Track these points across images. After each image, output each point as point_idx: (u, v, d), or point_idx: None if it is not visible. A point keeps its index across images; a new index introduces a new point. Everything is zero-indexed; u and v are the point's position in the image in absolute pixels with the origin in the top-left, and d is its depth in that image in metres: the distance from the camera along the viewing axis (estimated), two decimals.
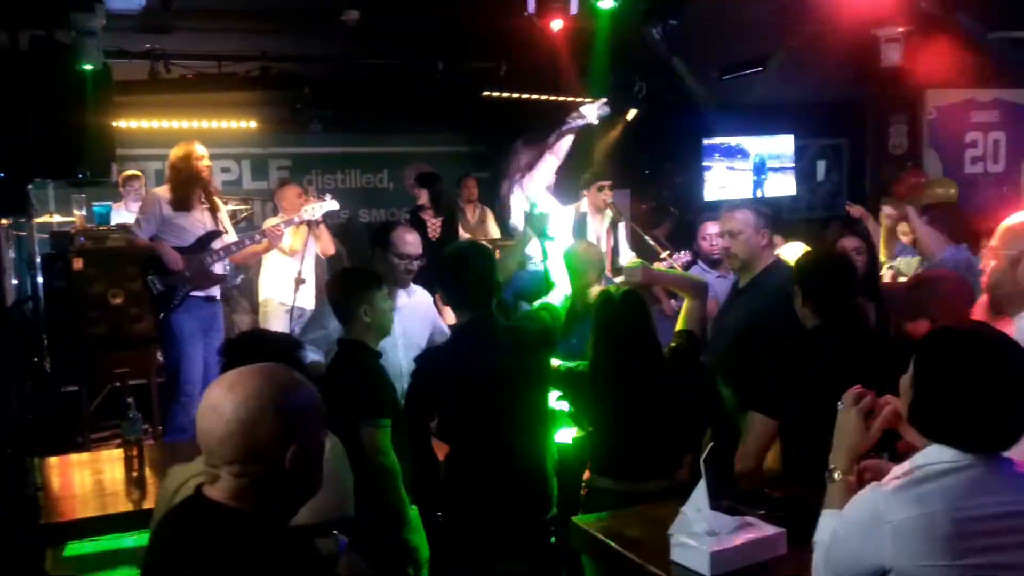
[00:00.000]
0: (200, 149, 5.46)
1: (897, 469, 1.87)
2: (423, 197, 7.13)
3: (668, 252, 5.81)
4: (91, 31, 5.10)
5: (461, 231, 7.86)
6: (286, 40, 6.90)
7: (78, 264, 5.92)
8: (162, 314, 5.31)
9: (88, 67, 5.02)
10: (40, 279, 6.05)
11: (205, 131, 8.25)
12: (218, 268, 5.53)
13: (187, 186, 5.39)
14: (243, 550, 1.58)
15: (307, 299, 6.29)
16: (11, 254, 6.40)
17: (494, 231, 7.95)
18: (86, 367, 6.01)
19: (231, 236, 5.64)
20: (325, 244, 6.44)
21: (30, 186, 5.76)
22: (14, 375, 5.77)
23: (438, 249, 6.80)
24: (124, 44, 6.29)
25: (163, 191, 5.46)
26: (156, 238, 5.35)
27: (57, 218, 6.96)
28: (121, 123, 6.65)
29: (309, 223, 5.84)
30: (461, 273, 3.30)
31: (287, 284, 6.06)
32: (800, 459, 2.93)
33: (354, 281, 3.39)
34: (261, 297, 6.51)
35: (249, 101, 8.12)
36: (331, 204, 5.82)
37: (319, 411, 1.69)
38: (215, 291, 5.59)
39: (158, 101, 7.46)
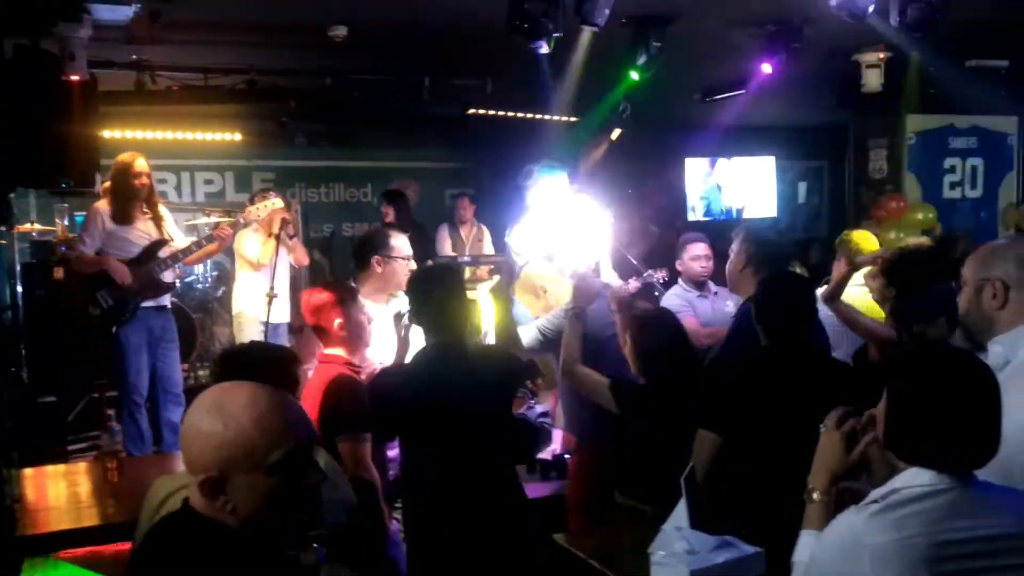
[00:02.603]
0: (139, 164, 5.40)
1: (875, 492, 1.89)
2: (390, 214, 7.26)
3: (648, 272, 5.83)
4: (77, 41, 5.11)
5: (449, 249, 7.88)
6: (273, 53, 6.91)
7: (59, 274, 5.90)
8: (115, 328, 5.29)
9: (74, 77, 5.01)
10: (20, 288, 6.01)
11: (190, 142, 8.26)
12: (167, 276, 5.50)
13: (126, 200, 5.37)
14: (228, 563, 1.58)
15: (281, 313, 6.22)
16: None
17: (489, 249, 7.96)
18: (64, 378, 5.97)
19: (179, 242, 5.58)
20: (299, 255, 6.38)
21: (11, 195, 5.75)
22: None
23: None
24: (110, 54, 6.28)
25: (103, 204, 5.41)
26: (102, 252, 5.31)
27: (38, 227, 6.93)
28: (106, 133, 6.63)
29: (278, 236, 5.78)
30: (426, 296, 3.25)
31: (259, 298, 5.98)
32: (744, 478, 2.96)
33: (327, 295, 3.36)
34: (234, 310, 6.43)
35: (234, 113, 8.12)
36: (276, 201, 5.76)
37: (305, 426, 1.69)
38: (165, 300, 5.57)
39: (144, 112, 7.45)
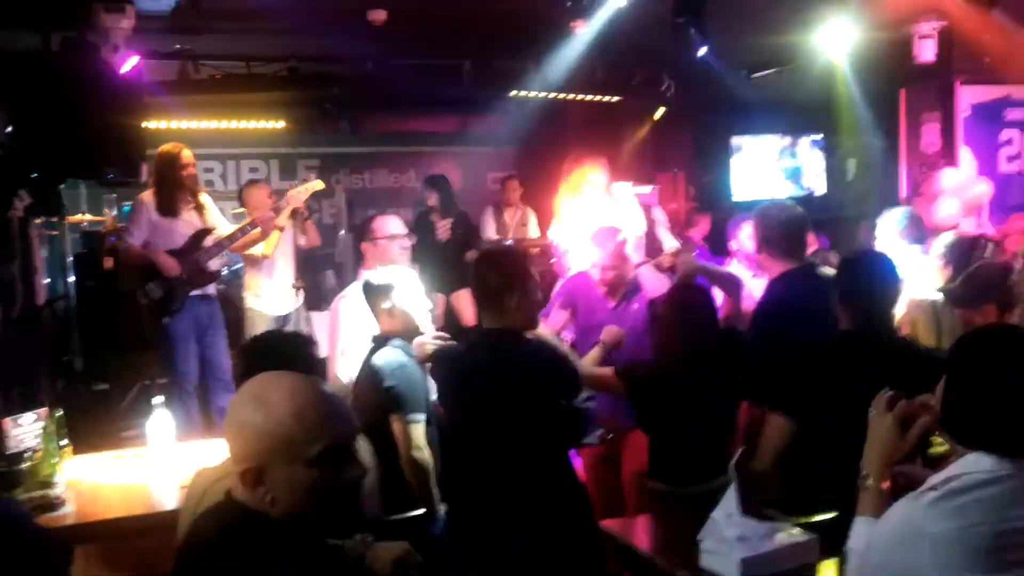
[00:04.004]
0: (185, 155, 5.40)
1: (933, 478, 1.83)
2: (432, 199, 7.20)
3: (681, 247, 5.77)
4: (121, 32, 5.16)
5: (493, 233, 7.85)
6: (314, 40, 6.92)
7: (108, 263, 5.98)
8: (166, 319, 5.34)
9: (119, 67, 5.06)
10: (71, 278, 6.10)
11: (234, 131, 8.33)
12: (213, 265, 5.53)
13: (171, 191, 5.38)
14: (271, 553, 1.58)
15: (287, 304, 6.02)
16: (43, 253, 6.46)
17: (534, 232, 7.90)
18: (116, 366, 6.07)
19: (223, 231, 5.56)
20: (311, 236, 6.14)
21: (62, 186, 5.84)
22: (46, 373, 5.84)
23: (446, 249, 6.87)
24: (154, 45, 6.34)
25: (148, 196, 5.41)
26: (148, 243, 5.34)
27: (89, 217, 7.03)
28: (151, 123, 6.70)
29: (294, 213, 5.73)
30: (486, 277, 3.15)
31: (267, 292, 5.95)
32: (816, 464, 2.89)
33: (380, 278, 3.41)
34: (245, 305, 6.12)
35: (278, 101, 8.17)
36: (317, 184, 5.72)
37: (346, 419, 1.68)
38: (211, 288, 5.58)
39: (188, 101, 7.51)
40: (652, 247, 5.73)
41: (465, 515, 3.15)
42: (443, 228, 6.79)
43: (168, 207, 5.38)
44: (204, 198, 5.63)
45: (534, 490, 3.04)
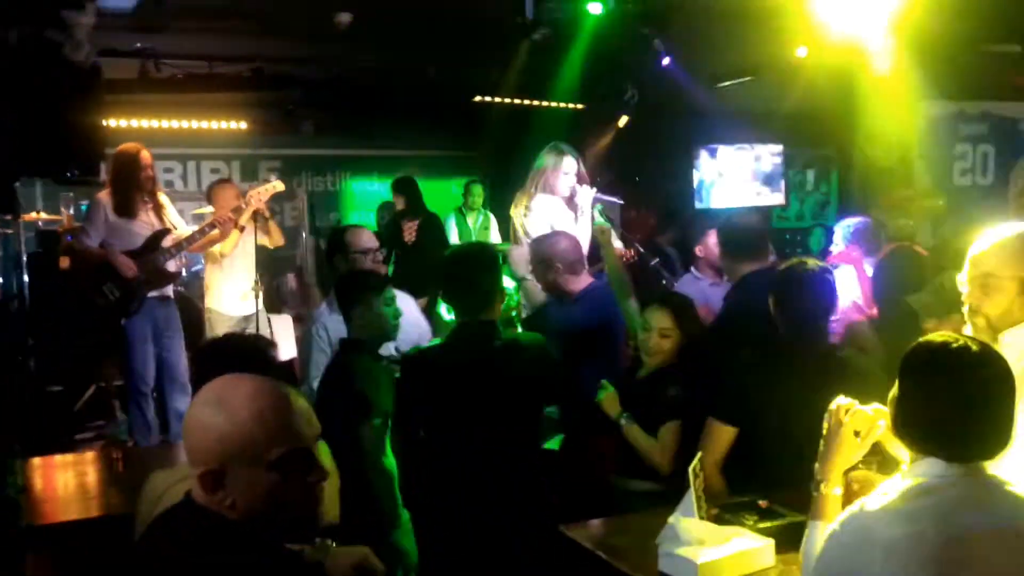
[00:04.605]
0: (145, 157, 5.33)
1: (886, 484, 1.87)
2: (400, 202, 7.27)
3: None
4: (82, 29, 5.08)
5: (455, 238, 7.87)
6: (278, 41, 6.88)
7: (64, 263, 5.89)
8: (123, 320, 5.27)
9: (78, 65, 4.99)
10: (26, 278, 6.00)
11: (195, 131, 8.25)
12: (171, 266, 5.47)
13: (129, 192, 5.31)
14: (229, 556, 1.57)
15: (248, 305, 5.90)
16: None
17: (496, 237, 7.93)
18: (71, 367, 5.98)
19: (181, 231, 5.53)
20: (275, 237, 6.06)
21: (17, 184, 5.73)
22: None
23: (413, 252, 6.90)
24: (115, 42, 6.25)
25: (105, 196, 5.34)
26: (105, 244, 5.27)
27: (44, 216, 6.92)
28: (111, 122, 6.61)
29: (255, 215, 5.65)
30: (458, 275, 3.25)
31: (227, 293, 5.95)
32: (755, 470, 2.94)
33: (351, 284, 3.41)
34: (206, 306, 6.15)
35: (240, 102, 8.10)
36: (277, 185, 5.66)
37: (304, 416, 1.67)
38: (168, 290, 5.54)
39: (148, 100, 7.43)
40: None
41: (438, 517, 3.16)
42: (409, 230, 6.82)
43: (125, 208, 5.32)
44: (162, 198, 5.57)
45: (507, 490, 3.07)
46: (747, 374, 3.10)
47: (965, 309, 2.41)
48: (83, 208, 6.36)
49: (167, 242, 5.39)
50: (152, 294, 5.36)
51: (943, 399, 1.83)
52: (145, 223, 5.39)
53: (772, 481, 2.80)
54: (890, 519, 1.76)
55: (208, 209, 7.65)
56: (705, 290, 5.04)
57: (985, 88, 7.69)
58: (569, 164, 5.00)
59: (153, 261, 5.32)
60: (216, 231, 5.55)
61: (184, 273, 6.44)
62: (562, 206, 4.99)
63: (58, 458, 4.33)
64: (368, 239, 4.10)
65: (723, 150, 9.29)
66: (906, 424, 1.89)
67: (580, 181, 5.02)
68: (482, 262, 3.28)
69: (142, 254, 5.31)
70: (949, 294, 3.58)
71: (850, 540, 1.82)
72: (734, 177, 9.37)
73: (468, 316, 3.23)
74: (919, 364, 1.89)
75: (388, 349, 3.71)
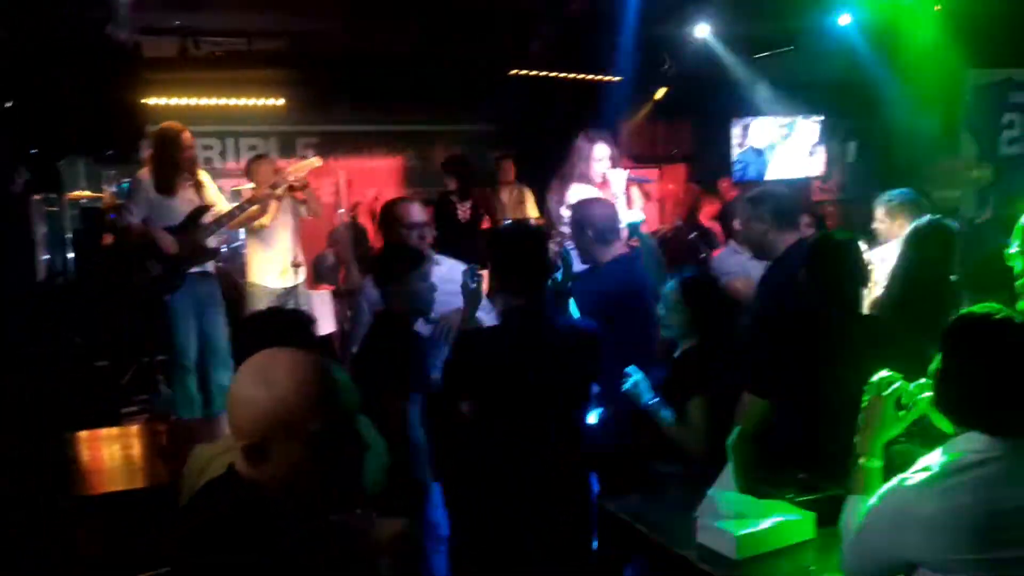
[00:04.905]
0: (187, 138, 5.37)
1: (927, 458, 1.85)
2: (452, 183, 7.23)
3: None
4: (121, 7, 5.12)
5: (496, 212, 7.85)
6: (315, 18, 6.89)
7: (107, 240, 5.98)
8: (166, 295, 5.35)
9: (118, 43, 5.03)
10: (70, 255, 6.10)
11: (233, 108, 8.29)
12: (211, 242, 5.51)
13: (170, 171, 5.36)
14: (272, 527, 1.59)
15: (288, 278, 6.02)
16: (43, 229, 6.45)
17: (532, 211, 7.89)
18: (116, 343, 6.08)
19: (222, 207, 5.57)
20: (313, 206, 6.05)
21: (61, 162, 5.82)
22: (46, 350, 5.84)
23: (467, 231, 6.89)
24: (154, 21, 6.30)
25: (146, 174, 5.40)
26: (147, 221, 5.33)
27: (87, 194, 7.02)
28: (150, 100, 6.67)
29: (292, 187, 5.71)
30: (509, 255, 3.17)
31: (268, 267, 6.00)
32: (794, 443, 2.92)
33: (390, 258, 3.43)
34: (247, 279, 6.14)
35: (277, 79, 8.12)
36: (315, 161, 5.73)
37: (344, 389, 1.68)
38: (209, 265, 5.59)
39: (187, 78, 7.48)
40: None
41: (477, 493, 3.16)
42: (464, 211, 6.85)
43: (166, 186, 5.37)
44: (203, 175, 5.62)
45: (549, 471, 3.06)
46: (781, 345, 3.07)
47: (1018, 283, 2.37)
48: (124, 186, 6.44)
49: (207, 218, 5.44)
50: (193, 270, 5.42)
51: (985, 373, 1.80)
52: (187, 200, 5.44)
53: (811, 454, 2.78)
54: (930, 494, 1.75)
55: (247, 185, 7.72)
56: (745, 264, 4.97)
57: None
58: (601, 151, 4.98)
59: (193, 237, 5.38)
60: (255, 207, 5.61)
61: (225, 249, 6.50)
62: (595, 192, 4.96)
63: (105, 432, 4.43)
64: (417, 213, 4.00)
65: (762, 121, 9.16)
66: (948, 398, 1.87)
67: (613, 164, 4.99)
68: (534, 240, 3.22)
69: (182, 231, 5.36)
70: (994, 269, 3.52)
71: (890, 515, 1.80)
72: (773, 149, 9.25)
73: (516, 295, 3.12)
74: (961, 337, 1.87)
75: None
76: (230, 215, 5.52)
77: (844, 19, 6.34)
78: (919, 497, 1.76)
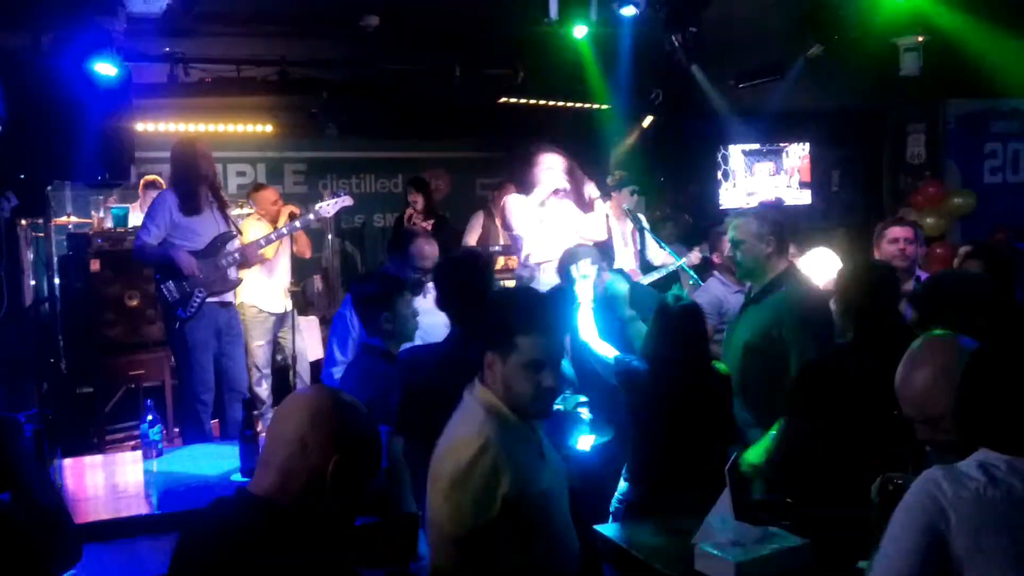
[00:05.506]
0: (203, 146, 5.31)
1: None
2: (419, 202, 7.37)
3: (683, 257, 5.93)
4: (112, 34, 5.12)
5: (474, 239, 7.85)
6: (305, 44, 6.91)
7: (95, 266, 5.94)
8: (178, 323, 5.12)
9: (109, 70, 5.03)
10: (57, 280, 6.06)
11: (222, 134, 8.29)
12: (232, 273, 5.30)
13: (193, 186, 5.18)
14: (280, 539, 1.64)
15: (279, 303, 6.32)
16: (29, 255, 6.41)
17: None
18: (101, 369, 6.02)
19: (246, 238, 5.56)
20: (301, 247, 6.44)
21: (48, 188, 5.79)
22: (31, 375, 5.79)
23: None
24: (144, 47, 6.31)
25: (171, 194, 5.22)
26: (165, 242, 5.13)
27: (75, 219, 6.98)
28: (140, 126, 6.66)
29: (291, 215, 5.94)
30: (451, 282, 3.31)
31: (262, 290, 6.13)
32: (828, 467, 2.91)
33: (377, 287, 3.41)
34: (238, 299, 5.89)
35: (266, 105, 8.14)
36: (346, 200, 5.70)
37: (367, 428, 1.78)
38: (229, 296, 5.38)
39: (177, 104, 7.48)
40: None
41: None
42: (426, 228, 6.87)
43: (191, 205, 5.16)
44: (225, 198, 5.61)
45: None
46: (822, 377, 3.11)
47: None
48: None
49: (231, 246, 5.28)
50: (212, 300, 5.20)
51: (1007, 392, 1.81)
52: (211, 223, 5.26)
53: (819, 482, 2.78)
54: (955, 476, 1.77)
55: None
56: (730, 298, 4.88)
57: (1015, 85, 7.60)
58: (550, 160, 5.12)
59: (215, 264, 5.19)
60: (276, 242, 5.74)
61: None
62: (532, 203, 5.08)
63: (89, 459, 4.37)
64: (430, 260, 4.04)
65: (748, 150, 9.23)
66: (969, 416, 1.88)
67: (571, 176, 5.07)
68: (474, 268, 3.34)
69: (205, 255, 5.18)
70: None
71: (921, 506, 1.79)
72: (759, 177, 9.31)
73: (461, 321, 3.23)
74: (977, 359, 1.88)
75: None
76: (257, 245, 5.45)
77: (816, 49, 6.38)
78: (945, 481, 1.76)
